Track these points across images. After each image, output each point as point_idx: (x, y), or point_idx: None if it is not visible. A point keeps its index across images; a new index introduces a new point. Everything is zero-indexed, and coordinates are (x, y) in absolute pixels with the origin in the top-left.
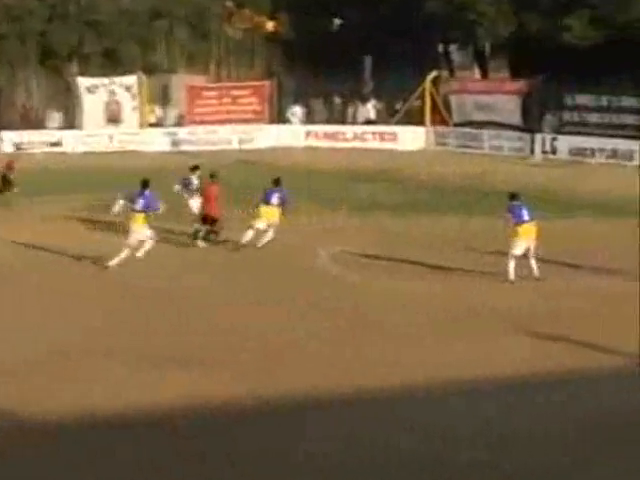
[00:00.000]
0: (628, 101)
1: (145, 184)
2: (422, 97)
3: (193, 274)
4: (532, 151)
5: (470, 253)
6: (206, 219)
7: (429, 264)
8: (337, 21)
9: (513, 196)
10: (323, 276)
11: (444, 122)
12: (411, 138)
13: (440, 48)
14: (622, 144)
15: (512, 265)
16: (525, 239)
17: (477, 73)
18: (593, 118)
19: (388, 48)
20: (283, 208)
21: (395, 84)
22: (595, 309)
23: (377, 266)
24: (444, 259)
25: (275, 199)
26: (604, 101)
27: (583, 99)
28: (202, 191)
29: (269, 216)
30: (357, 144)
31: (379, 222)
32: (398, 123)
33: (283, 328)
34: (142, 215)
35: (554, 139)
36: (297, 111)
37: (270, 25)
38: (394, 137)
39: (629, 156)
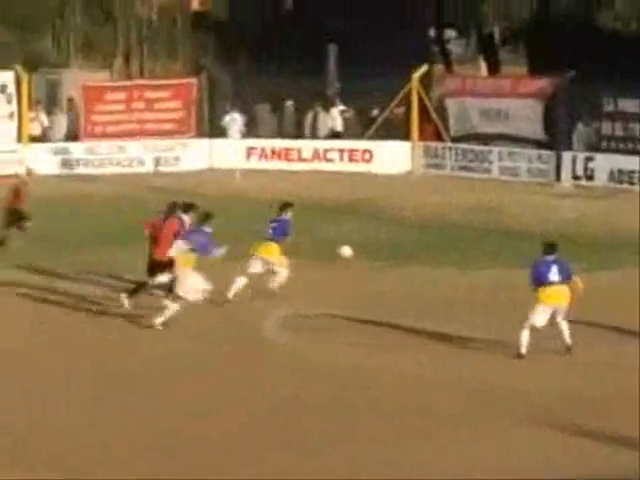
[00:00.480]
0: None
1: (206, 217)
2: (407, 101)
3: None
4: (559, 175)
5: (473, 314)
6: (155, 267)
7: (416, 329)
8: None
9: (549, 247)
10: (270, 346)
11: (438, 135)
12: (392, 157)
13: (432, 34)
14: None
15: (525, 335)
16: (551, 305)
17: (483, 68)
18: None
19: (360, 33)
20: (278, 243)
21: (370, 83)
22: None
23: (342, 333)
24: (437, 323)
25: (270, 231)
26: None
27: (628, 104)
28: (156, 229)
29: (265, 253)
30: (318, 165)
31: (347, 273)
32: (374, 137)
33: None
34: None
35: (589, 159)
36: (236, 120)
37: (196, 1)
38: (369, 156)
39: None
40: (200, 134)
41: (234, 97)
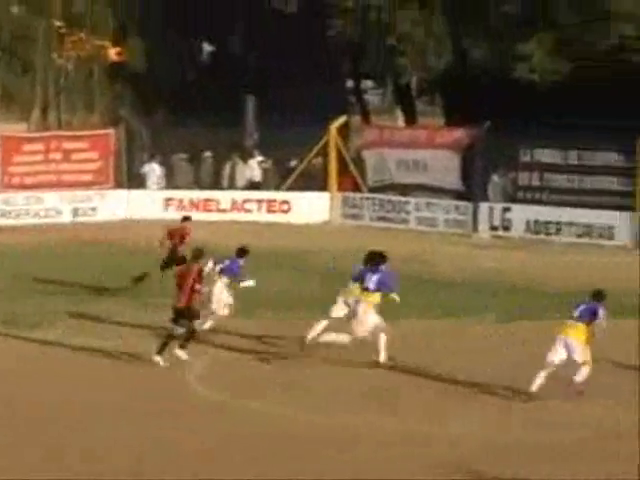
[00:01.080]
0: (606, 158)
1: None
2: (325, 152)
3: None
4: (476, 226)
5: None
6: (178, 314)
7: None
8: (208, 48)
9: (597, 294)
10: (188, 397)
11: (356, 186)
12: (310, 208)
13: (350, 85)
14: (599, 217)
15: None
16: (560, 336)
17: (400, 119)
18: (559, 181)
19: (278, 85)
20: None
21: (288, 134)
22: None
23: (266, 386)
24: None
25: (371, 283)
26: (573, 158)
27: (545, 155)
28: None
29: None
30: (236, 215)
31: (267, 325)
32: (293, 187)
33: None
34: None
35: (506, 210)
36: (154, 170)
37: (114, 52)
38: (287, 206)
39: (608, 233)
40: (118, 185)
41: (152, 148)
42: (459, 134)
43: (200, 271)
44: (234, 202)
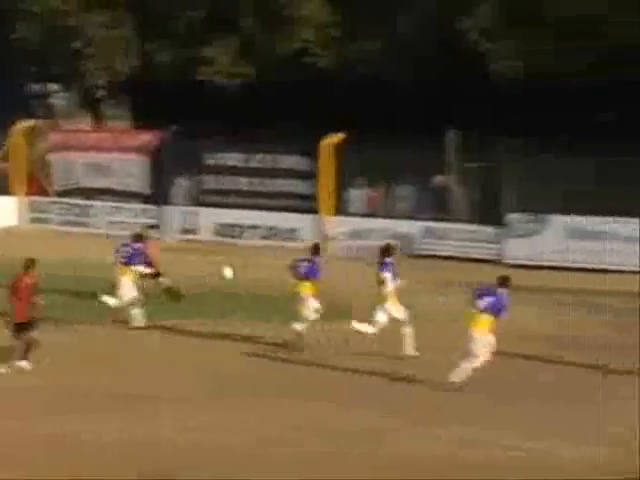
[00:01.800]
0: (289, 161)
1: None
2: (10, 156)
3: None
4: (164, 230)
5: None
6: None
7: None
8: None
9: (501, 280)
10: None
11: (42, 190)
12: None
13: (35, 87)
14: (283, 219)
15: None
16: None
17: (87, 123)
18: (243, 184)
19: None
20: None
21: None
22: None
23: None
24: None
25: (302, 269)
26: (255, 161)
27: (229, 158)
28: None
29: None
30: None
31: None
32: None
33: None
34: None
35: (192, 213)
36: None
37: None
38: None
39: (292, 235)
40: None
41: None
42: (146, 137)
43: (32, 282)
44: None
